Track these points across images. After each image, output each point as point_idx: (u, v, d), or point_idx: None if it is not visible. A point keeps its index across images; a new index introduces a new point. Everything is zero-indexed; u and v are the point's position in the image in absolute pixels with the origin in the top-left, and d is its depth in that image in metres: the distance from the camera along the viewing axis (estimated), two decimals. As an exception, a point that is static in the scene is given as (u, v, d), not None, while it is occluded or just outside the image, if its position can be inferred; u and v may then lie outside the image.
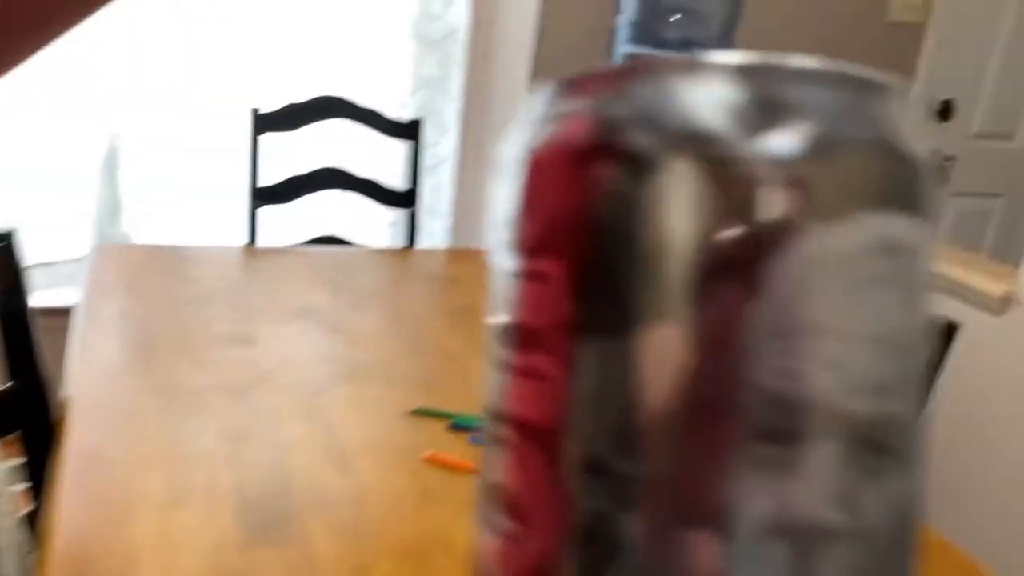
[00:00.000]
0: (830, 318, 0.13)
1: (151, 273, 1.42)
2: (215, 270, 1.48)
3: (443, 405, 1.07)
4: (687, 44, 1.94)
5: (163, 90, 2.17)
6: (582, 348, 0.14)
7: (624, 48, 1.98)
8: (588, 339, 0.15)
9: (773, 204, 0.13)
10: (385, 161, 2.08)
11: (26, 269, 0.98)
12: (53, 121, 2.08)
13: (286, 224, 2.09)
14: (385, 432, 1.01)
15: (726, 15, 1.98)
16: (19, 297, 0.96)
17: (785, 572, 0.14)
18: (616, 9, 2.01)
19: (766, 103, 0.14)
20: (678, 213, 0.14)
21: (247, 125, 1.88)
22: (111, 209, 2.21)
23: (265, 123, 1.90)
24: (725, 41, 2.00)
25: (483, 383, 1.18)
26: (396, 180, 2.04)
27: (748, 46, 2.20)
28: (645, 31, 1.95)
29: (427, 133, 2.28)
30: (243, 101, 1.95)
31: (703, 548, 0.13)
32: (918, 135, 0.15)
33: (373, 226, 2.16)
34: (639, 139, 0.15)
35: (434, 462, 0.96)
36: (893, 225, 0.14)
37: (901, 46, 2.48)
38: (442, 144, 2.37)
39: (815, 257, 0.14)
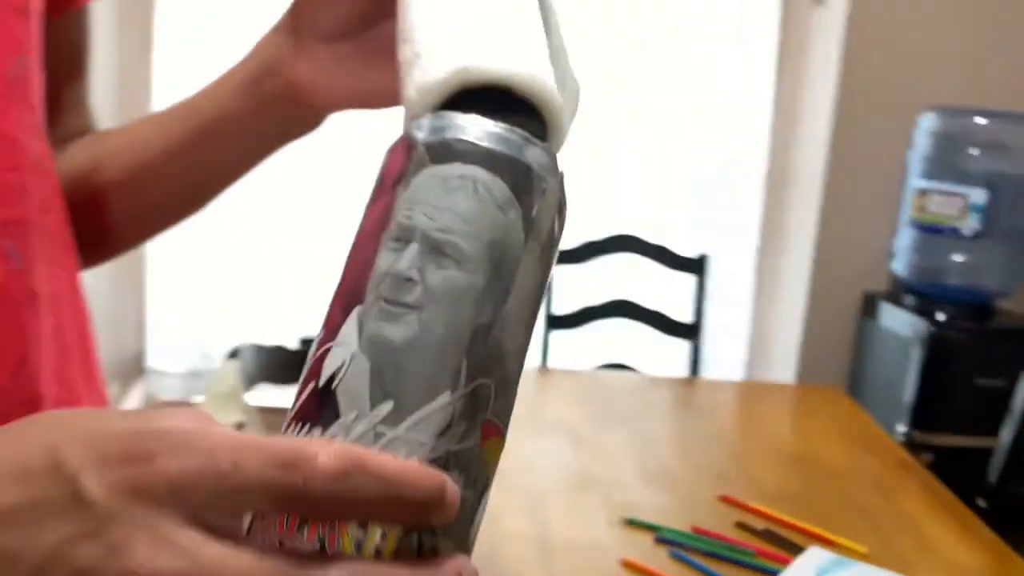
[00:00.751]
0: (429, 199, 0.32)
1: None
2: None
3: (658, 520, 1.13)
4: (989, 178, 1.84)
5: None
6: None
7: (916, 183, 1.93)
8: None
9: (412, 156, 0.33)
10: (672, 293, 2.19)
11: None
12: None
13: (578, 349, 2.26)
14: (595, 535, 1.09)
15: (1039, 146, 1.86)
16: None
17: (399, 288, 0.31)
18: (908, 143, 1.97)
19: (459, 128, 0.34)
20: (400, 162, 0.34)
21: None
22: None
23: (560, 258, 2.12)
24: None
25: (692, 499, 1.21)
26: (683, 313, 2.13)
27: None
28: (940, 166, 1.89)
29: (721, 268, 2.35)
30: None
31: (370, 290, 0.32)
32: (540, 161, 0.34)
33: (660, 355, 2.26)
34: (423, 135, 0.34)
35: (629, 567, 1.02)
36: (473, 171, 0.32)
37: None
38: (736, 279, 2.43)
39: (427, 176, 0.32)
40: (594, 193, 2.44)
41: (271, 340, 1.15)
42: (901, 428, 1.84)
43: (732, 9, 2.34)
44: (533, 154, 0.33)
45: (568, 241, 2.13)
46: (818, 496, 1.26)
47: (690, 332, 2.13)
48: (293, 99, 0.51)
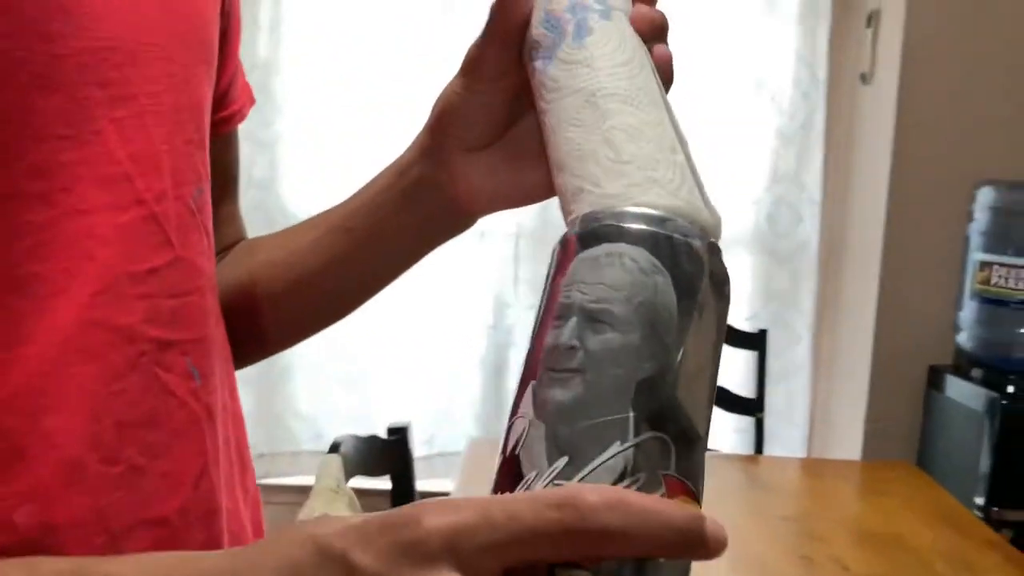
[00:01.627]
0: (582, 278, 0.35)
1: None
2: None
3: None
4: (1052, 250, 1.85)
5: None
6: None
7: (977, 256, 1.93)
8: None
9: (567, 249, 0.37)
10: (732, 369, 2.19)
11: (415, 459, 1.25)
12: (437, 316, 2.48)
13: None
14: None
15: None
16: (409, 483, 1.21)
17: (563, 357, 0.34)
18: (968, 217, 1.99)
19: (604, 216, 0.37)
20: (559, 257, 0.39)
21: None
22: (491, 411, 2.55)
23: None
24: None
25: None
26: (743, 388, 2.13)
27: None
28: (999, 239, 1.90)
29: (778, 343, 2.36)
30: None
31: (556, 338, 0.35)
32: (681, 231, 0.37)
33: (722, 432, 2.25)
34: (575, 229, 0.38)
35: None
36: (617, 248, 0.35)
37: None
38: (794, 353, 2.42)
39: (579, 260, 0.36)
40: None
41: (363, 430, 1.17)
42: (979, 501, 1.82)
43: (777, 83, 2.39)
44: (672, 226, 0.36)
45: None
46: (909, 579, 1.24)
47: (752, 408, 2.12)
48: (454, 211, 0.54)
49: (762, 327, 2.18)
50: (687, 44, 2.39)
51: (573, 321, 0.34)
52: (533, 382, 0.34)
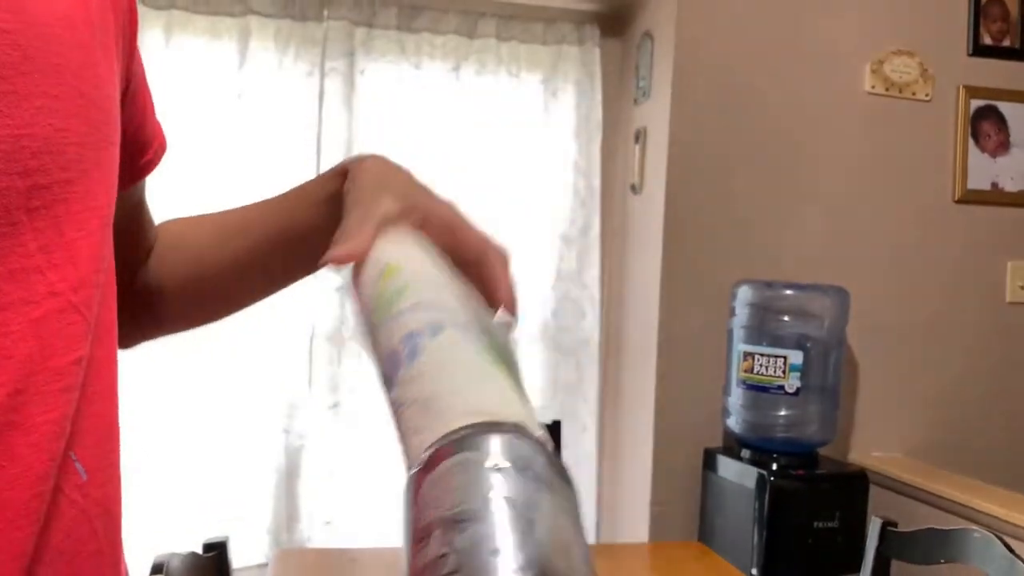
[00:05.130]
0: (435, 495, 0.36)
1: None
2: (381, 571, 1.65)
3: None
4: (801, 341, 2.11)
5: (336, 405, 2.49)
6: None
7: (740, 347, 2.16)
8: None
9: (416, 480, 0.38)
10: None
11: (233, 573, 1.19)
12: (229, 429, 2.40)
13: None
14: None
15: (835, 312, 2.16)
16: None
17: (437, 567, 0.34)
18: (731, 313, 2.22)
19: (437, 442, 0.39)
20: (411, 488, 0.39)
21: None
22: (287, 516, 2.45)
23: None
24: (836, 336, 2.16)
25: None
26: (540, 479, 2.21)
27: (859, 337, 2.34)
28: (757, 332, 2.14)
29: (568, 433, 2.47)
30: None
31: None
32: (507, 434, 0.38)
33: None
34: (415, 468, 0.39)
35: None
36: (455, 459, 0.37)
37: (1020, 326, 2.55)
38: (581, 443, 2.55)
39: (427, 483, 0.37)
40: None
41: (175, 548, 1.11)
42: (755, 572, 1.98)
43: (559, 191, 2.58)
44: (498, 428, 0.40)
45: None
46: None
47: (549, 498, 2.19)
48: None
49: (555, 418, 2.28)
50: (477, 157, 2.53)
51: (436, 534, 0.36)
52: None
